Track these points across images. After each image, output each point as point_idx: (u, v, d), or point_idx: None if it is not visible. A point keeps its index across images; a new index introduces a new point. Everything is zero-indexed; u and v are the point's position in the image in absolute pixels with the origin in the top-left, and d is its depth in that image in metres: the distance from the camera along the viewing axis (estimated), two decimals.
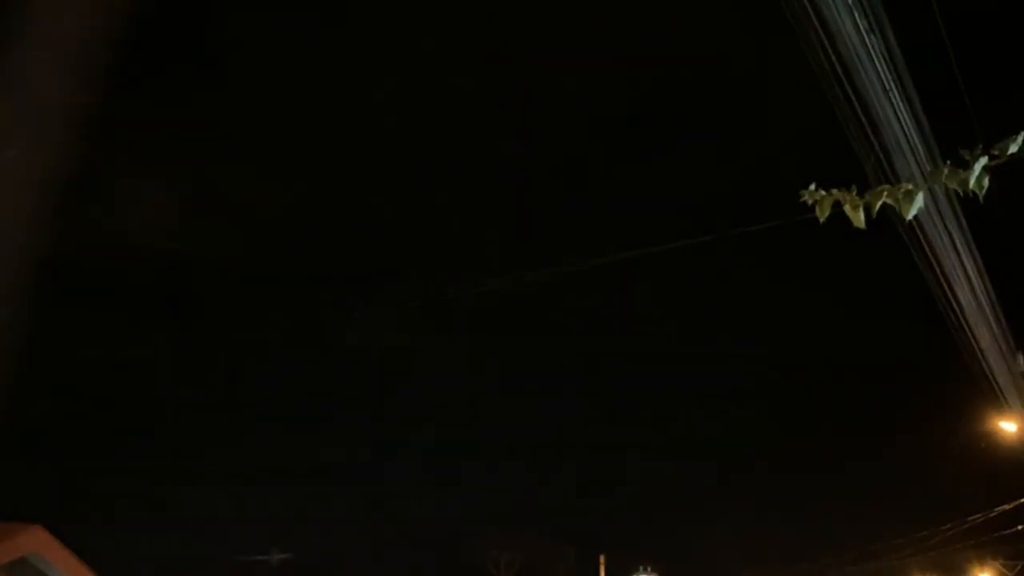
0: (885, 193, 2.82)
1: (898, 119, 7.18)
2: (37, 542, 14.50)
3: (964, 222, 9.46)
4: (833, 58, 6.58)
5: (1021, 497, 21.94)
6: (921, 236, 8.89)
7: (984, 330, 12.61)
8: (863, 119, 7.04)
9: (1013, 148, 2.69)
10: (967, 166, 2.82)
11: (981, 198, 2.81)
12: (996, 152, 2.71)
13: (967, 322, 11.76)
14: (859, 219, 2.82)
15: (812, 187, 2.80)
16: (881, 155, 7.11)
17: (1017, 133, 2.78)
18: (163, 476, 38.57)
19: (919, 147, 7.39)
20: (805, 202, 2.78)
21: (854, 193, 2.83)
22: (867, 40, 6.62)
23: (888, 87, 7.06)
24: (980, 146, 2.72)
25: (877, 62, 6.82)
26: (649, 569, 47.37)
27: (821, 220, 2.82)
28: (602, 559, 40.13)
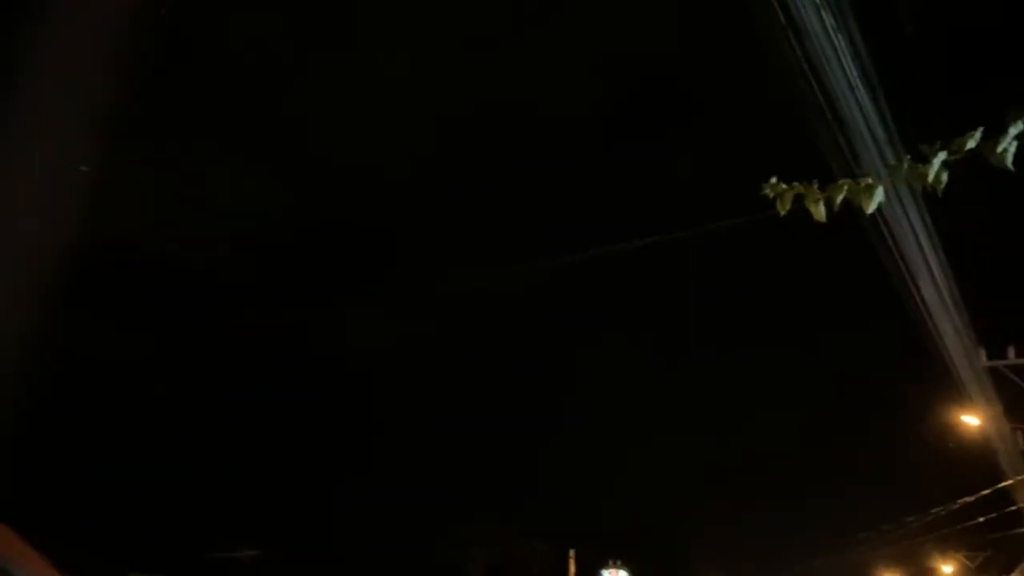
0: (846, 187, 2.87)
1: (863, 115, 7.29)
2: (2, 543, 14.31)
3: (928, 218, 9.62)
4: (800, 55, 6.67)
5: (983, 490, 22.28)
6: (885, 231, 9.02)
7: (947, 325, 12.81)
8: (829, 115, 7.13)
9: (971, 144, 2.74)
10: (927, 161, 2.86)
11: (940, 193, 2.86)
12: (955, 148, 2.76)
13: (931, 316, 11.94)
14: (820, 213, 2.87)
15: (774, 180, 2.84)
16: (847, 150, 7.21)
17: (981, 128, 2.83)
18: (131, 473, 38.21)
19: (884, 142, 7.50)
20: (767, 195, 2.83)
21: (815, 187, 2.88)
22: (833, 38, 6.70)
23: (853, 84, 7.16)
24: (939, 142, 2.77)
25: (843, 59, 6.91)
26: (619, 564, 47.59)
27: (782, 214, 2.86)
28: (572, 554, 40.28)
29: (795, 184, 2.85)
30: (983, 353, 19.58)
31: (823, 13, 6.54)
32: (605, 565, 47.06)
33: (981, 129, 2.79)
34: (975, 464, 22.44)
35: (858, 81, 7.10)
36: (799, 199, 2.84)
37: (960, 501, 23.43)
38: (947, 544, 33.34)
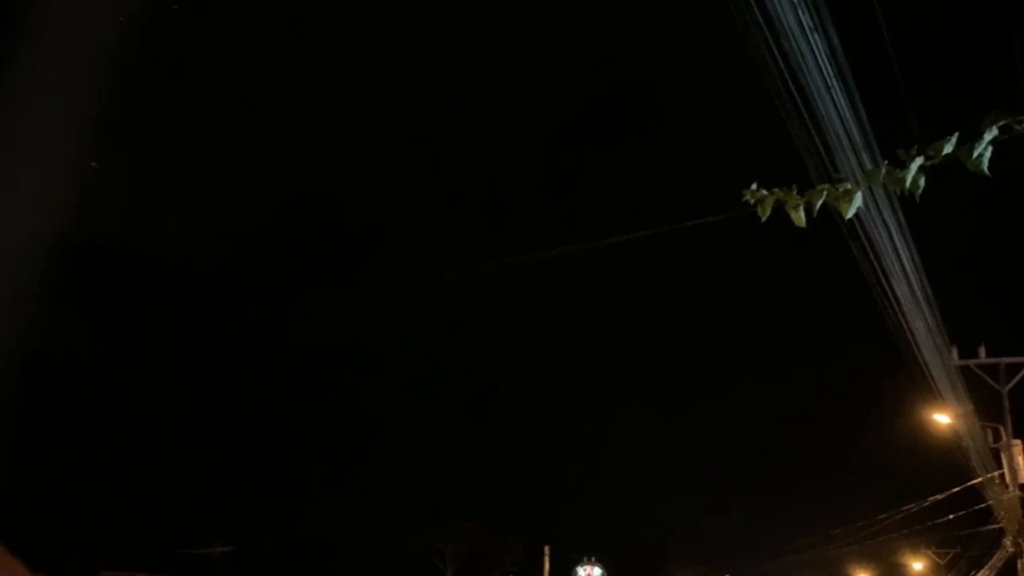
0: (825, 192, 2.87)
1: (840, 118, 7.31)
2: None
3: (903, 219, 9.69)
4: (777, 56, 6.68)
5: (953, 487, 22.51)
6: (860, 232, 9.07)
7: (920, 324, 12.91)
8: (806, 117, 7.15)
9: (947, 149, 2.75)
10: (904, 166, 2.87)
11: (917, 198, 2.87)
12: (931, 153, 2.76)
13: (904, 316, 12.03)
14: (799, 218, 2.88)
15: (754, 186, 2.84)
16: (823, 153, 7.22)
17: (957, 133, 2.84)
18: (102, 472, 37.89)
19: (861, 146, 7.52)
20: (747, 201, 2.83)
21: (795, 192, 2.88)
22: (811, 39, 6.72)
23: (830, 85, 7.17)
24: (916, 147, 2.78)
25: (820, 60, 6.93)
26: (594, 560, 47.72)
27: (763, 219, 2.87)
28: (546, 550, 40.30)
29: (775, 190, 2.85)
30: (955, 352, 19.79)
31: (800, 13, 6.55)
32: (580, 562, 47.17)
33: (957, 134, 2.81)
34: (946, 462, 22.67)
35: (835, 82, 7.12)
36: (780, 203, 2.85)
37: (931, 499, 23.67)
38: (918, 541, 33.69)
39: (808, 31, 6.65)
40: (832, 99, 7.25)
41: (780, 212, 2.94)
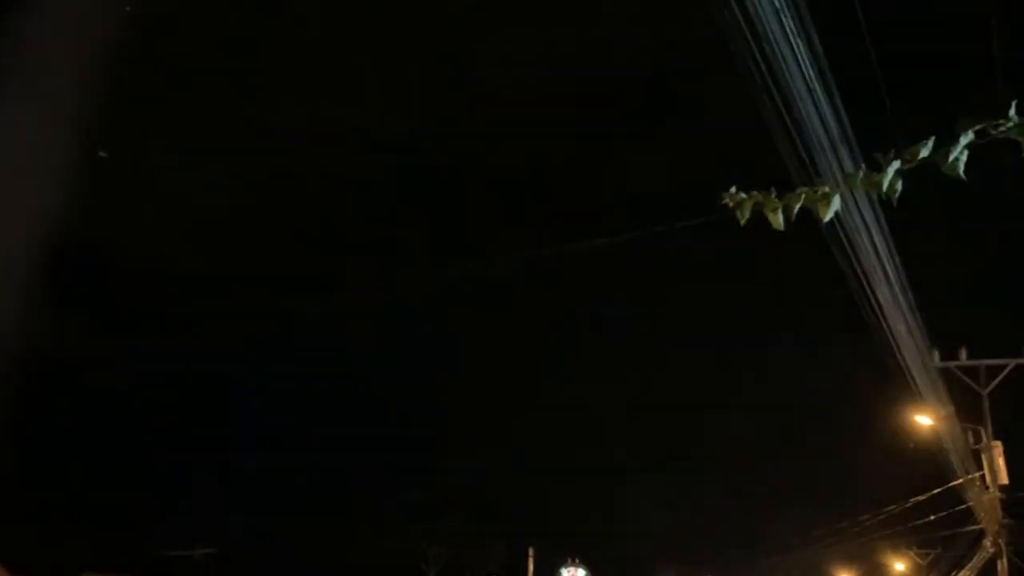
0: (803, 196, 2.91)
1: (821, 121, 7.37)
2: None
3: (884, 221, 9.78)
4: (759, 59, 6.73)
5: (934, 488, 22.66)
6: (842, 234, 9.15)
7: (901, 326, 13.01)
8: (787, 120, 7.20)
9: (924, 152, 2.78)
10: (882, 170, 2.89)
11: (895, 202, 2.90)
12: (908, 156, 2.79)
13: (885, 318, 12.12)
14: (777, 221, 2.91)
15: (732, 189, 2.87)
16: (805, 156, 7.28)
17: (934, 137, 2.87)
18: (83, 473, 37.66)
19: (842, 149, 7.59)
20: (726, 204, 2.86)
21: (773, 195, 2.91)
22: (793, 43, 6.78)
23: (812, 88, 7.24)
24: (893, 150, 2.81)
25: (802, 65, 6.99)
26: (577, 562, 47.78)
27: (741, 223, 2.90)
28: (531, 551, 40.34)
29: (754, 193, 2.89)
30: (936, 354, 19.93)
31: (783, 18, 6.60)
32: (564, 563, 47.22)
33: (933, 138, 2.84)
34: (927, 463, 22.83)
35: (816, 85, 7.18)
36: (758, 207, 2.88)
37: (912, 500, 23.81)
38: (899, 542, 33.89)
39: (791, 35, 6.71)
40: (814, 103, 7.32)
41: (763, 219, 2.97)
